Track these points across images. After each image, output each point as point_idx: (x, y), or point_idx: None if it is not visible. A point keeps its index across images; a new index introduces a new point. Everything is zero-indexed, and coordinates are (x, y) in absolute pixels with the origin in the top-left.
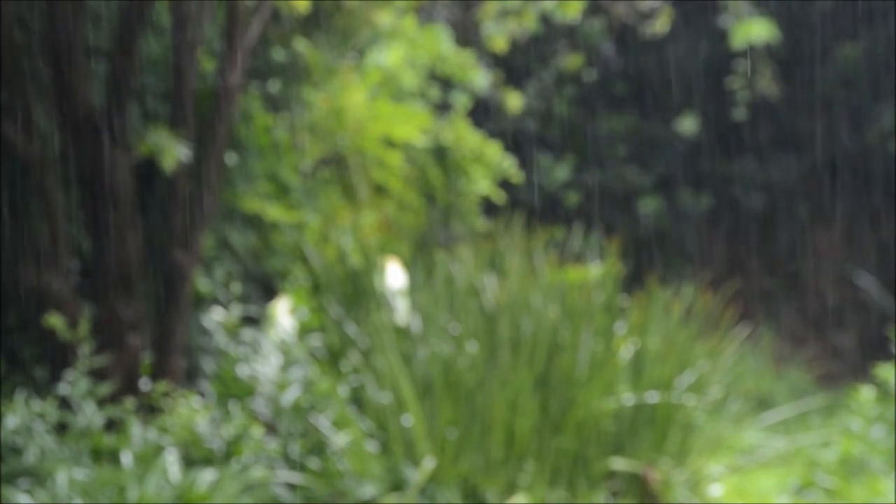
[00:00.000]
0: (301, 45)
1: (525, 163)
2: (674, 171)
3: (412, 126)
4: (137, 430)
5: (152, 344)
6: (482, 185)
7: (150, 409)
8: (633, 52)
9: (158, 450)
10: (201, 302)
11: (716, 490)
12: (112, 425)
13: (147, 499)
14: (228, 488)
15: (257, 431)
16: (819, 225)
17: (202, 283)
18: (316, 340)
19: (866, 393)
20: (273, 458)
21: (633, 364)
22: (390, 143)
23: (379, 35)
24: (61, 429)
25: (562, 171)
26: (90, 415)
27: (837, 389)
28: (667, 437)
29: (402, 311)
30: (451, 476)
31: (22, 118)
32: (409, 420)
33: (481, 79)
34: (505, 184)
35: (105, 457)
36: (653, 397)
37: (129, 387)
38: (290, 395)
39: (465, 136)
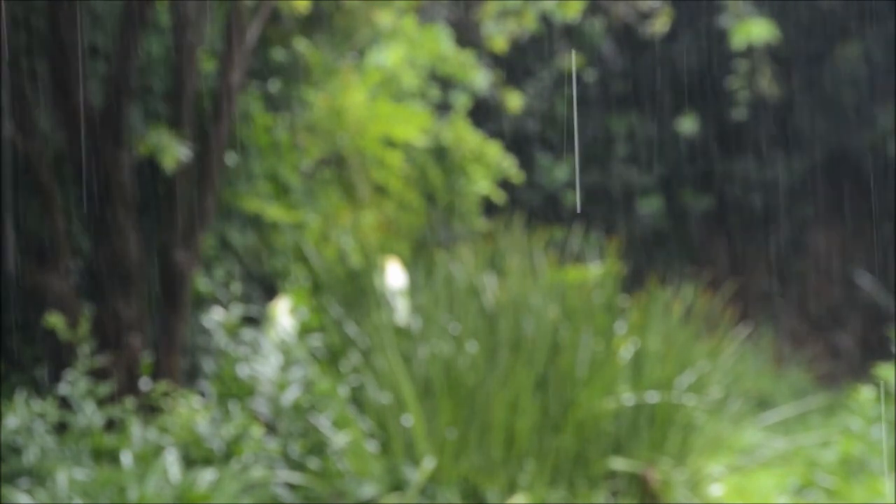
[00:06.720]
0: (301, 45)
1: (525, 163)
2: (674, 171)
3: (412, 126)
4: (137, 430)
5: (152, 344)
6: (482, 185)
7: (150, 409)
8: (633, 52)
9: (158, 450)
10: (201, 302)
11: (716, 490)
12: (112, 425)
13: (147, 499)
14: (228, 488)
15: (257, 431)
16: (819, 225)
17: (202, 283)
18: (316, 340)
19: (866, 393)
20: (273, 458)
21: (633, 364)
22: (390, 143)
23: (379, 35)
24: (61, 429)
25: (562, 171)
26: (90, 415)
27: (837, 389)
28: (667, 437)
29: (402, 311)
30: (451, 476)
31: (22, 118)
32: (409, 420)
33: (481, 79)
34: (505, 184)
35: (105, 457)
36: (653, 397)
37: (129, 387)
38: (290, 395)
39: (465, 136)
